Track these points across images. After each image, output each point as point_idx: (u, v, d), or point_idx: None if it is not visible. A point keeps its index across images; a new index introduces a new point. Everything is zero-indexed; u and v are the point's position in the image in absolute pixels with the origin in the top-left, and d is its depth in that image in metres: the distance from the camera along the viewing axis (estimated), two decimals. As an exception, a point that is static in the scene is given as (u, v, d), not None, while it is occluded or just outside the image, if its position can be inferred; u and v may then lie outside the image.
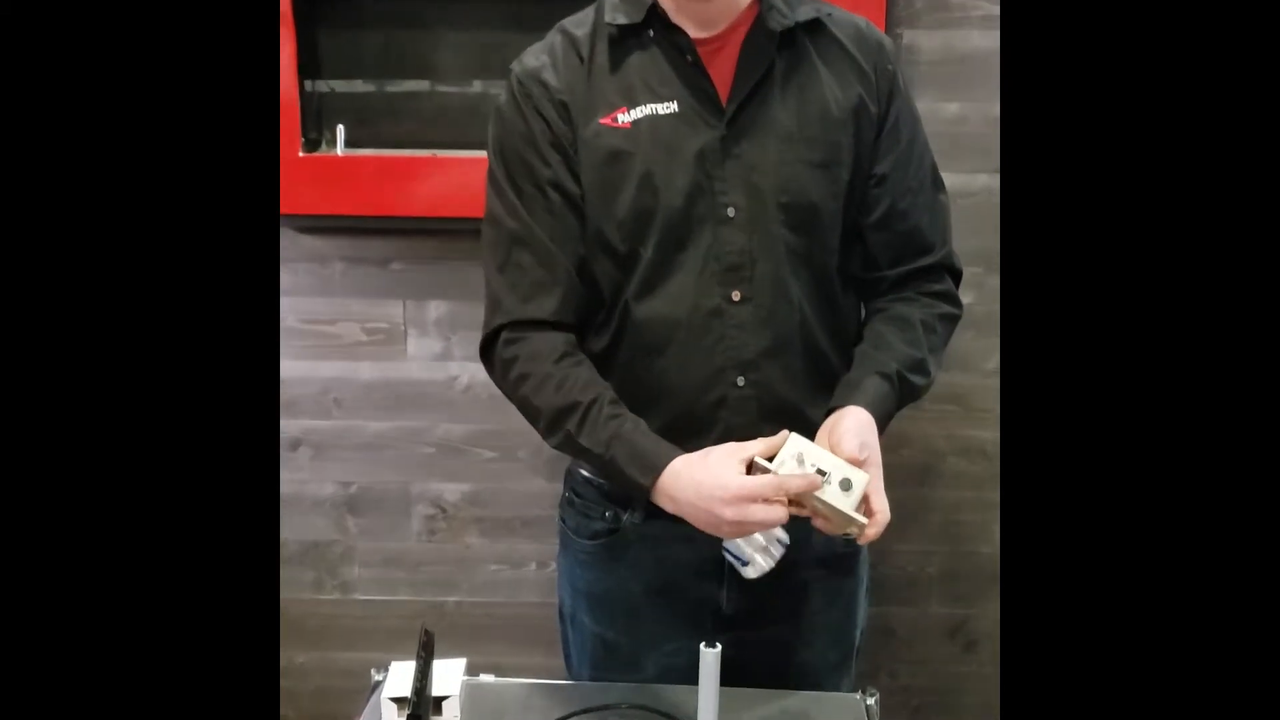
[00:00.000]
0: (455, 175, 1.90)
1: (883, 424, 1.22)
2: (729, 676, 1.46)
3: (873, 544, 2.21)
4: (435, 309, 2.08)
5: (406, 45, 1.99)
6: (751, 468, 1.12)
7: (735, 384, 1.28)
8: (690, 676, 1.43)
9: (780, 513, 1.10)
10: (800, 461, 1.10)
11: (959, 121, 1.96)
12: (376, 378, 2.12)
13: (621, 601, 1.39)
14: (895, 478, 2.13)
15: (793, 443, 1.11)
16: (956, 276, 1.36)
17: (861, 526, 1.11)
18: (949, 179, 1.39)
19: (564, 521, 1.44)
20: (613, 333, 1.31)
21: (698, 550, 1.33)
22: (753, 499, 1.08)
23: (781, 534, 1.19)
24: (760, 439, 1.13)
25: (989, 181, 1.95)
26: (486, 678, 1.40)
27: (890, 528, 2.15)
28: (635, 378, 1.30)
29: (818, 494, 1.08)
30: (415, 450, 2.17)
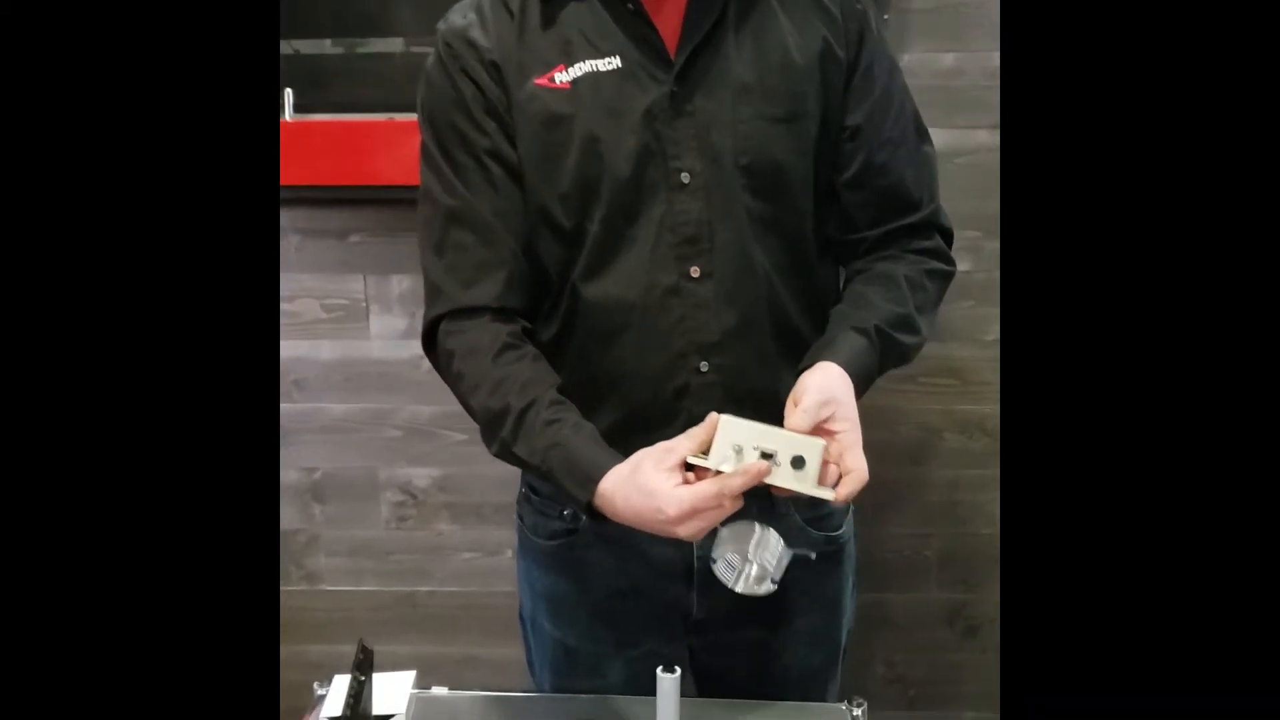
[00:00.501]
0: (417, 140, 1.77)
1: (863, 382, 1.09)
2: (704, 684, 1.36)
3: (867, 526, 2.09)
4: (398, 284, 1.95)
5: (360, 2, 1.85)
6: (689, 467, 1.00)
7: (698, 370, 1.15)
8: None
9: (738, 507, 0.97)
10: (739, 451, 0.96)
11: (955, 74, 1.82)
12: (338, 357, 2.00)
13: (583, 606, 1.27)
14: (889, 455, 2.02)
15: (725, 429, 0.98)
16: (946, 235, 1.23)
17: (828, 498, 0.99)
18: (943, 135, 1.26)
19: (521, 519, 1.32)
20: (561, 319, 1.18)
21: (664, 551, 1.22)
22: (695, 513, 0.96)
23: (772, 546, 1.06)
24: (689, 432, 1.00)
25: (988, 138, 1.81)
26: (439, 691, 1.29)
27: (885, 510, 2.03)
28: (588, 368, 1.18)
29: (768, 480, 0.96)
30: (382, 433, 2.05)
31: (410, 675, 1.27)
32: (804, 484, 0.97)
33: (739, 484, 0.95)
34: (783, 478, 0.96)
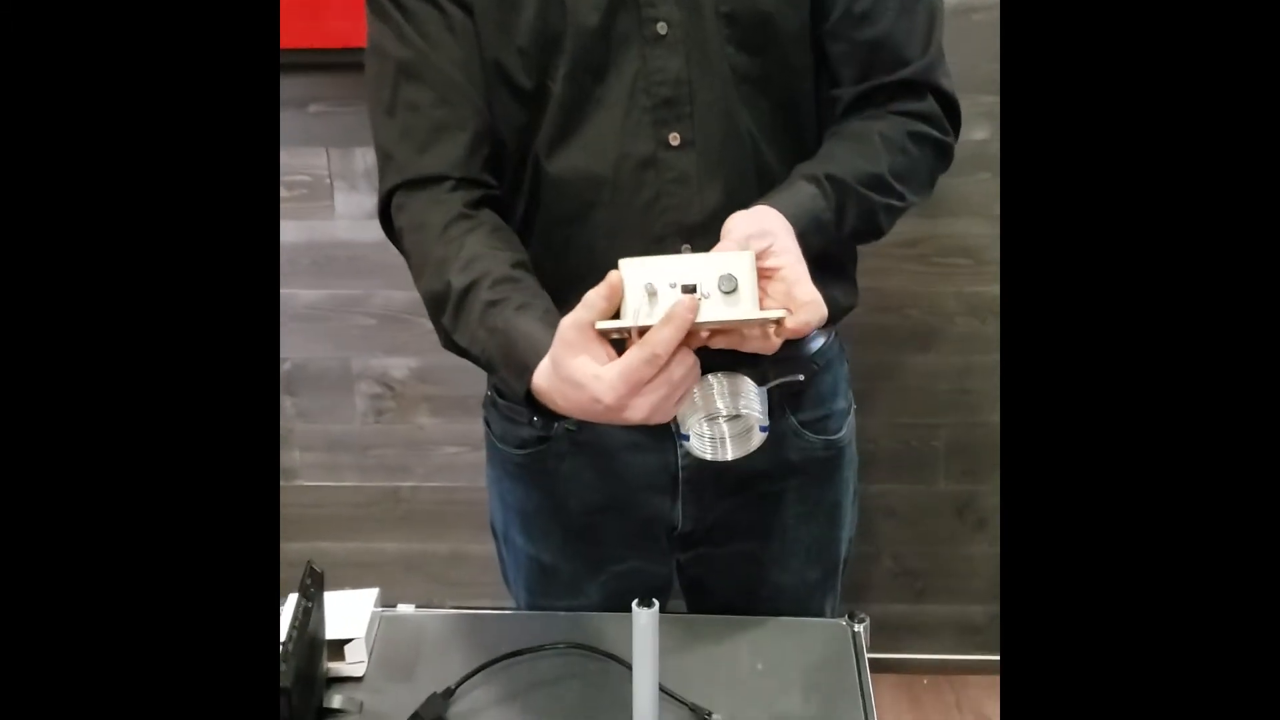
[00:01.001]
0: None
1: (811, 231, 0.91)
2: (693, 600, 1.25)
3: (873, 416, 1.94)
4: (364, 158, 1.79)
5: None
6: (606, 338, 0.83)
7: (679, 254, 1.01)
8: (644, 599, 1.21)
9: (689, 365, 0.79)
10: (651, 293, 0.79)
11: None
12: (302, 239, 1.85)
13: (558, 521, 1.15)
14: (895, 340, 1.88)
15: (632, 276, 0.80)
16: (946, 101, 1.03)
17: (779, 319, 0.81)
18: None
19: (488, 425, 1.19)
20: (525, 197, 1.03)
21: (645, 459, 1.09)
22: (634, 390, 0.78)
23: (744, 389, 0.91)
24: (586, 298, 0.80)
25: (1010, -12, 1.62)
26: (405, 609, 1.18)
27: (892, 399, 1.90)
28: (554, 254, 1.03)
29: (700, 318, 0.78)
30: (353, 322, 1.92)
31: (373, 594, 1.15)
32: (741, 309, 0.78)
33: (668, 336, 0.75)
34: (713, 309, 0.78)
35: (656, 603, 0.88)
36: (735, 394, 0.88)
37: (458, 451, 1.99)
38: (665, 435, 1.07)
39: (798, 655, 1.10)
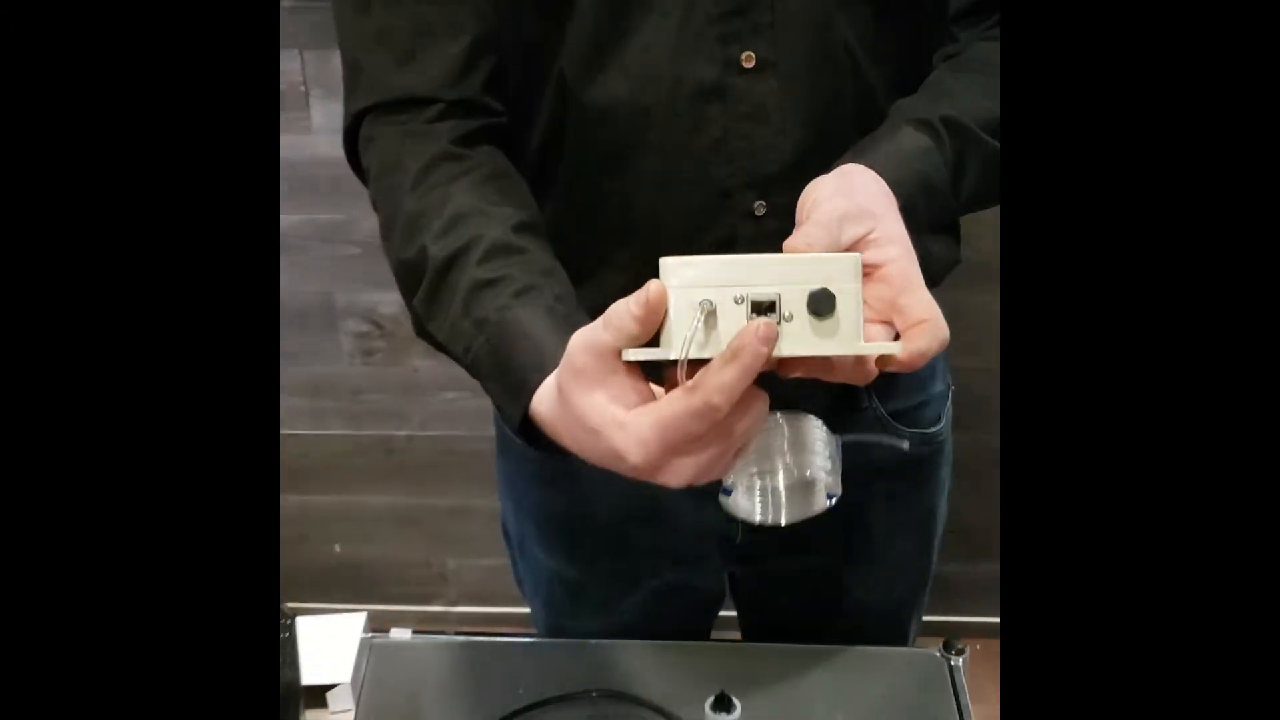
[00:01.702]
0: None
1: (918, 197, 0.68)
2: (750, 618, 1.04)
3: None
4: (343, 63, 1.53)
5: None
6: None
7: (752, 212, 0.77)
8: (689, 622, 1.00)
9: (756, 415, 0.55)
10: (708, 310, 0.53)
11: None
12: (274, 159, 1.60)
13: (586, 530, 0.93)
14: (957, 273, 1.63)
15: (676, 277, 0.54)
16: None
17: (895, 349, 0.57)
18: None
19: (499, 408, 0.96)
20: (543, 135, 0.78)
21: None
22: (672, 451, 0.54)
23: (814, 441, 0.68)
24: (618, 306, 0.54)
25: None
26: (400, 635, 0.97)
27: (953, 336, 1.67)
28: (583, 207, 0.79)
29: (779, 352, 0.54)
30: (337, 251, 1.68)
31: (360, 619, 0.95)
32: (840, 340, 0.54)
33: (731, 381, 0.51)
34: (800, 340, 0.54)
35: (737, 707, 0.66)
36: (802, 447, 0.65)
37: (457, 397, 1.76)
38: None
39: (884, 696, 0.90)
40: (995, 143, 0.71)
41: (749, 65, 0.74)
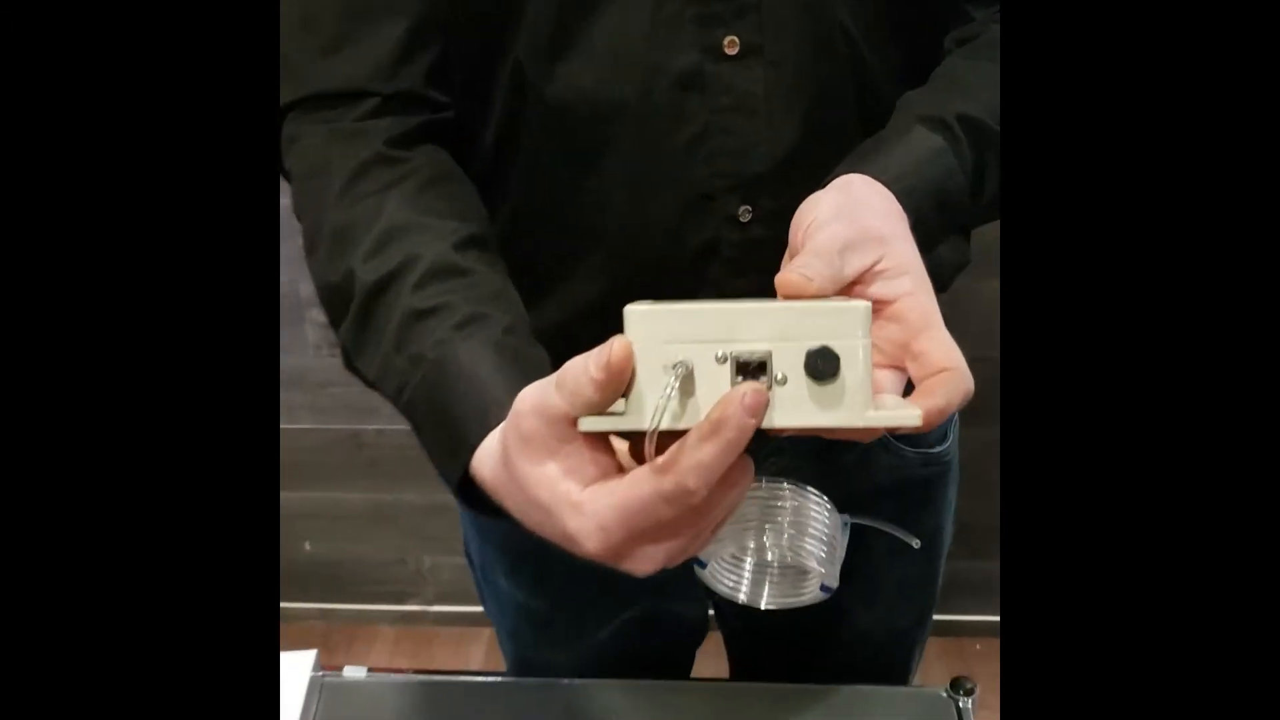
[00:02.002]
0: None
1: (930, 211, 0.59)
2: (738, 648, 0.95)
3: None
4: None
5: None
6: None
7: (735, 219, 0.68)
8: (669, 655, 0.92)
9: (738, 494, 0.46)
10: (683, 373, 0.44)
11: None
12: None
13: (554, 557, 0.84)
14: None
15: (644, 328, 0.45)
16: None
17: (912, 425, 0.46)
18: None
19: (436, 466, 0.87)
20: (497, 129, 0.69)
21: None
22: (643, 537, 0.46)
23: (812, 520, 0.60)
24: (575, 365, 0.45)
25: None
26: (354, 673, 0.88)
27: (949, 325, 1.59)
28: (545, 211, 0.70)
29: (771, 422, 0.45)
30: (299, 236, 1.58)
31: (309, 657, 0.86)
32: (845, 410, 0.44)
33: (710, 461, 0.43)
34: (796, 409, 0.44)
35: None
36: (797, 529, 0.56)
37: (431, 388, 1.67)
38: None
39: (886, 744, 0.82)
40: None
41: (732, 51, 0.64)
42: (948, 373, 0.49)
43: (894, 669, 0.91)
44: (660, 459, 0.44)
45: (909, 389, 0.50)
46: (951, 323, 1.07)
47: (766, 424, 0.44)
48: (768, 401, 0.43)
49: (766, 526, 0.57)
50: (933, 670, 1.71)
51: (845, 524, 0.61)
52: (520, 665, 0.92)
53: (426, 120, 0.65)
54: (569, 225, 0.70)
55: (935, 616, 1.66)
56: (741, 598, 0.60)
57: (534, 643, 0.90)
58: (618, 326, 0.62)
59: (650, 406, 0.44)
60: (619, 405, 0.45)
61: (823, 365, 0.44)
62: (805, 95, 0.66)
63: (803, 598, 0.60)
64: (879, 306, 0.51)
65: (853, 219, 0.53)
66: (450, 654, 1.82)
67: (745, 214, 0.67)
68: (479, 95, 0.68)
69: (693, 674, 0.97)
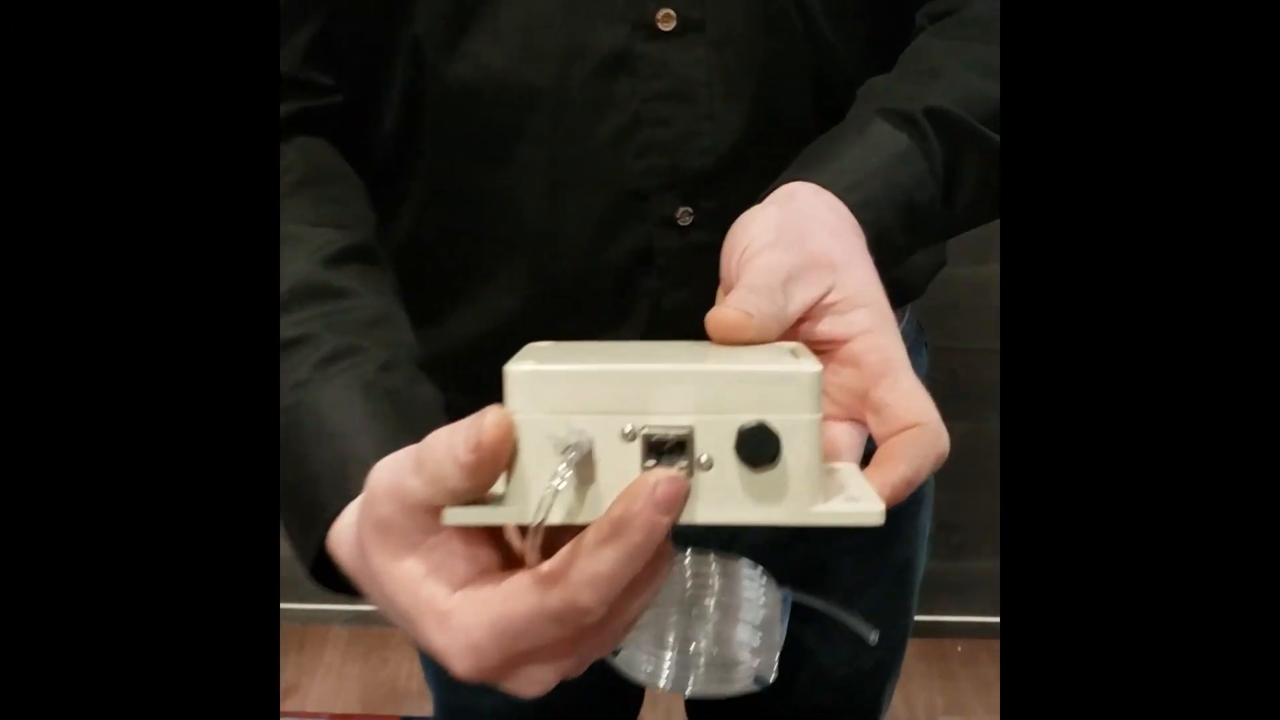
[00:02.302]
0: None
1: (896, 228, 0.49)
2: (694, 701, 0.87)
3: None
4: None
5: None
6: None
7: (673, 221, 0.59)
8: (613, 700, 0.84)
9: (645, 601, 0.37)
10: (578, 455, 0.35)
11: None
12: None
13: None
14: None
15: (525, 388, 0.35)
16: None
17: (873, 515, 0.36)
18: None
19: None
20: (396, 117, 0.59)
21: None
22: (521, 658, 0.37)
23: (745, 602, 0.52)
24: (438, 440, 0.35)
25: None
26: None
27: (936, 316, 1.50)
28: (454, 212, 0.61)
29: (685, 517, 0.35)
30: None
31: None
32: (790, 504, 0.35)
33: (608, 569, 0.34)
34: (721, 500, 0.35)
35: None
36: (726, 612, 0.47)
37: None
38: None
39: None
40: (986, 130, 0.53)
41: (667, 27, 0.55)
42: (915, 430, 0.40)
43: (861, 712, 0.82)
44: (546, 566, 0.35)
45: (872, 445, 0.41)
46: (937, 312, 0.96)
47: (686, 519, 0.35)
48: (686, 492, 0.34)
49: (692, 611, 0.48)
50: (913, 674, 1.64)
51: (785, 600, 0.52)
52: (448, 713, 0.83)
53: (302, 109, 0.56)
54: (480, 228, 0.60)
55: (915, 617, 1.58)
56: (663, 685, 0.52)
57: (463, 688, 0.81)
58: (537, 340, 0.53)
59: (535, 494, 0.35)
60: (499, 484, 0.36)
61: (759, 447, 0.35)
62: (753, 79, 0.56)
63: (733, 687, 0.51)
64: (830, 347, 0.42)
65: (796, 241, 0.43)
66: (404, 656, 1.73)
67: (685, 216, 0.58)
68: (373, 77, 0.58)
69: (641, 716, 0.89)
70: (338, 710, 1.66)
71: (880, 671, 0.83)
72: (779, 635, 0.51)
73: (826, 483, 0.37)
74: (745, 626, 0.49)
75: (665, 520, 0.33)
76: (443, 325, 0.64)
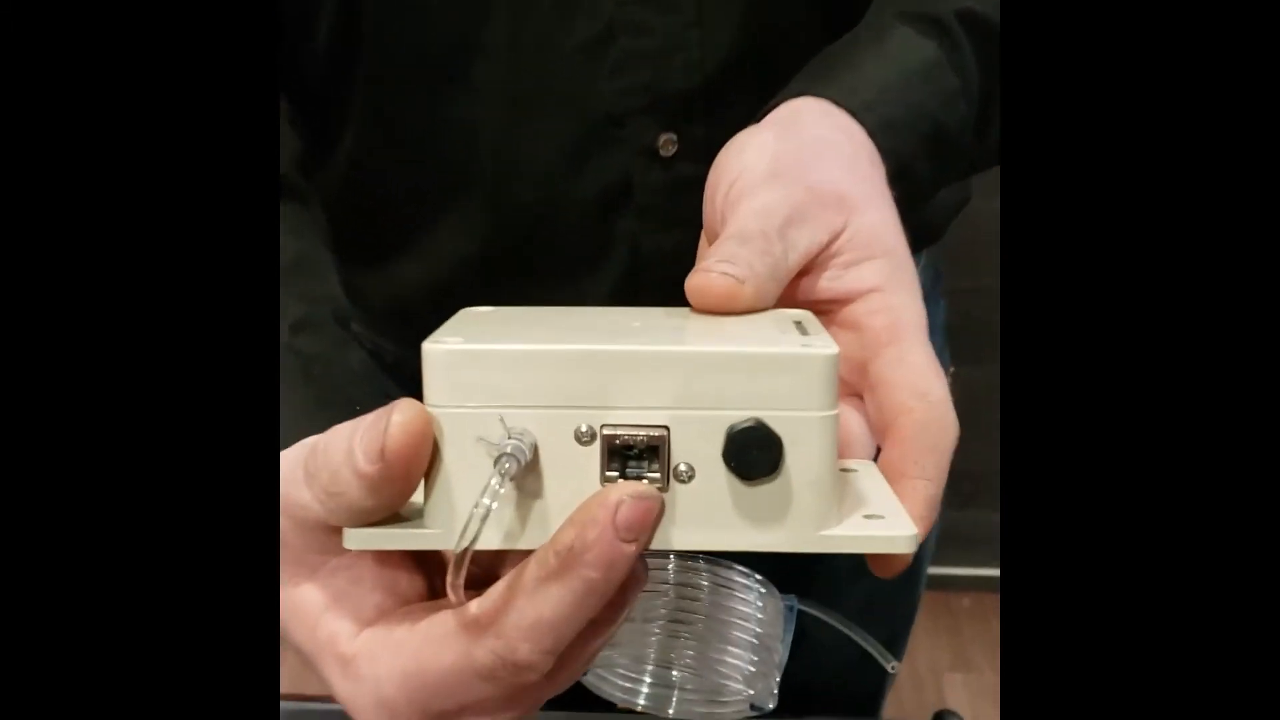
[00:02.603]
0: None
1: (924, 144, 0.41)
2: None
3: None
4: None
5: None
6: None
7: (654, 150, 0.50)
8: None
9: (601, 643, 0.29)
10: (507, 467, 0.26)
11: None
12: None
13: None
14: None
15: (450, 370, 0.27)
16: None
17: (905, 540, 0.29)
18: None
19: None
20: (331, 23, 0.50)
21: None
22: (438, 716, 0.28)
23: (739, 619, 0.44)
24: (336, 440, 0.28)
25: None
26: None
27: (947, 250, 1.43)
28: (397, 140, 0.53)
29: (659, 542, 0.27)
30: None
31: None
32: (792, 520, 0.27)
33: (553, 616, 0.26)
34: (704, 520, 0.28)
35: None
36: (718, 631, 0.40)
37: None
38: None
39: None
40: None
41: None
42: (914, 414, 0.32)
43: (861, 699, 0.75)
44: (476, 606, 0.27)
45: None
46: (950, 248, 0.88)
47: (659, 544, 0.27)
48: (659, 513, 0.26)
49: (675, 628, 0.41)
50: (918, 629, 1.58)
51: (789, 613, 0.45)
52: None
53: None
54: (429, 156, 0.52)
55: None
56: (641, 704, 0.44)
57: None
58: (500, 288, 0.45)
59: (461, 513, 0.27)
60: (417, 495, 0.28)
61: (755, 454, 0.27)
62: None
63: (724, 711, 0.44)
64: (831, 307, 0.34)
65: (798, 173, 0.35)
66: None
67: (668, 145, 0.49)
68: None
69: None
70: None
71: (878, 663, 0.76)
72: (780, 655, 0.43)
73: (839, 493, 0.29)
74: (739, 646, 0.42)
75: (629, 550, 0.26)
76: (387, 271, 0.56)
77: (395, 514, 0.28)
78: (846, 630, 0.50)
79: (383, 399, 0.29)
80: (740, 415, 0.27)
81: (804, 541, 0.28)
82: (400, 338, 0.45)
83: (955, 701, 1.55)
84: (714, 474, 0.27)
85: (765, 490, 0.27)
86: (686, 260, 0.35)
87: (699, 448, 0.27)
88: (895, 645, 0.76)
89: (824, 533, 0.28)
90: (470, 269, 0.54)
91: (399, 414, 0.26)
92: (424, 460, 0.27)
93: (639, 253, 0.52)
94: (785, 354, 0.27)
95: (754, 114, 0.41)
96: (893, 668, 0.52)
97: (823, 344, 0.28)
